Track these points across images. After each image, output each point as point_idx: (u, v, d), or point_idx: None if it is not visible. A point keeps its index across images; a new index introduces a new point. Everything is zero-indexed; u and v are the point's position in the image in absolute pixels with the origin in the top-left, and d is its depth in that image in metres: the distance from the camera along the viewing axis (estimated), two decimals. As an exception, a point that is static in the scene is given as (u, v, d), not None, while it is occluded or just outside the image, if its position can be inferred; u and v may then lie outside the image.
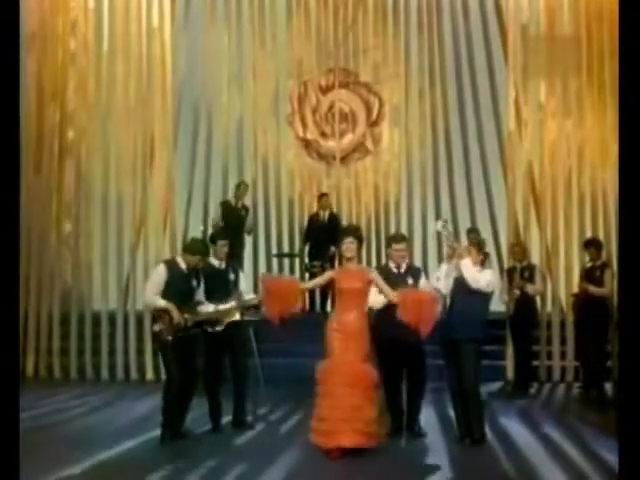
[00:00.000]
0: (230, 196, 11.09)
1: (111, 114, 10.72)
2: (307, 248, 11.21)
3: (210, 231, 10.28)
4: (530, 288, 9.13)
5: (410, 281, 6.71)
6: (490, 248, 8.73)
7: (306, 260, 11.10)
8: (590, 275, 9.02)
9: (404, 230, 11.02)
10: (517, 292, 9.05)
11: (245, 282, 7.36)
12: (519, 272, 9.19)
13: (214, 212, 11.01)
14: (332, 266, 9.08)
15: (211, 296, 6.79)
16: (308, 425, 6.14)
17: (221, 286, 6.89)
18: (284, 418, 7.58)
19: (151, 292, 6.61)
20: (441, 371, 6.68)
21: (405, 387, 6.73)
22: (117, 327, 10.29)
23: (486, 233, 10.50)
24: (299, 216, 11.91)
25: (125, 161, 10.66)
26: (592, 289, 8.89)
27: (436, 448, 6.36)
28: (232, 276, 7.06)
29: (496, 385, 9.38)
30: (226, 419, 7.04)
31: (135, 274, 10.35)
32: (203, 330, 6.78)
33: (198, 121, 11.89)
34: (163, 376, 7.44)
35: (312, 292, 10.76)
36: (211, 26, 11.83)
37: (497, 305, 8.40)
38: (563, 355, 9.99)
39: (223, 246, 7.04)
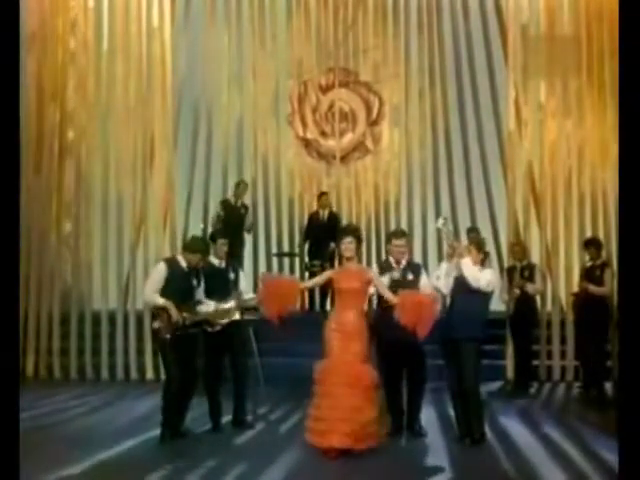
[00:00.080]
0: (230, 195, 11.09)
1: (111, 114, 10.72)
2: (307, 247, 11.22)
3: (210, 228, 10.30)
4: (530, 287, 9.14)
5: (410, 277, 6.72)
6: (490, 247, 8.72)
7: (306, 259, 11.11)
8: (590, 274, 9.02)
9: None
10: (517, 291, 9.06)
11: (245, 281, 7.36)
12: (519, 271, 9.19)
13: (214, 209, 10.99)
14: (332, 265, 9.08)
15: (211, 295, 6.80)
16: (305, 425, 6.14)
17: (221, 285, 6.90)
18: (284, 418, 7.58)
19: (150, 290, 6.62)
20: (441, 371, 6.68)
21: (405, 387, 6.73)
22: (117, 327, 10.29)
23: (486, 232, 10.49)
24: (299, 215, 11.91)
25: (125, 161, 10.66)
26: (592, 288, 8.89)
27: (436, 448, 6.36)
28: (232, 275, 7.07)
29: (496, 385, 9.38)
30: (226, 419, 7.04)
31: (135, 274, 10.35)
32: (203, 329, 6.78)
33: (198, 121, 11.89)
34: (163, 376, 7.43)
35: (312, 291, 10.79)
36: (211, 26, 11.82)
37: (497, 304, 8.40)
38: (563, 354, 9.99)
39: (223, 245, 7.05)
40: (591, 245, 9.20)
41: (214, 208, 11.03)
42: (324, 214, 11.06)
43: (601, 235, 9.95)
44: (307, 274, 10.65)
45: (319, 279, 6.87)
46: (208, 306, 6.73)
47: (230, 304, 6.82)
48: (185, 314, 6.50)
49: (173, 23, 10.88)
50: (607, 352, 9.17)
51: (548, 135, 10.50)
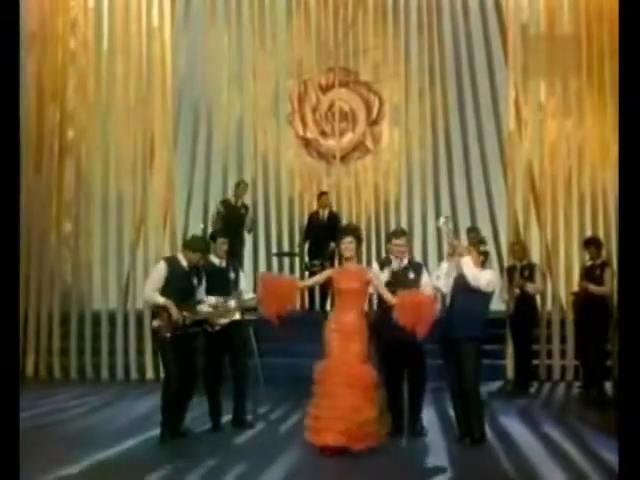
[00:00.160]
0: (230, 195, 11.09)
1: (111, 114, 10.73)
2: (307, 247, 11.22)
3: (210, 227, 10.31)
4: (530, 287, 9.14)
5: (412, 275, 6.72)
6: (490, 247, 8.73)
7: (306, 259, 11.11)
8: (590, 274, 9.02)
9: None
10: (517, 291, 9.06)
11: (245, 281, 7.36)
12: (519, 271, 9.19)
13: (214, 207, 10.98)
14: (332, 265, 9.08)
15: (211, 294, 6.80)
16: (305, 423, 6.15)
17: (221, 284, 6.91)
18: (284, 417, 7.58)
19: (151, 289, 6.62)
20: (441, 371, 6.68)
21: (406, 387, 6.73)
22: (117, 327, 10.29)
23: (486, 232, 10.45)
24: (299, 215, 11.91)
25: (125, 161, 10.67)
26: (592, 288, 8.89)
27: (436, 448, 6.36)
28: (232, 275, 7.07)
29: (496, 384, 9.38)
30: (226, 418, 7.04)
31: (135, 274, 10.35)
32: (203, 329, 6.78)
33: (198, 121, 11.89)
34: (163, 375, 7.44)
35: (312, 291, 10.80)
36: (211, 26, 11.82)
37: (497, 304, 8.40)
38: (563, 354, 10.00)
39: (223, 244, 7.05)
40: (591, 244, 9.20)
41: (214, 208, 11.02)
42: (324, 214, 11.06)
43: (601, 235, 9.95)
44: (307, 274, 10.64)
45: (318, 278, 6.88)
46: (208, 305, 6.73)
47: (230, 303, 6.83)
48: (185, 313, 6.50)
49: (173, 23, 10.89)
50: (607, 352, 9.17)
51: (548, 135, 10.51)
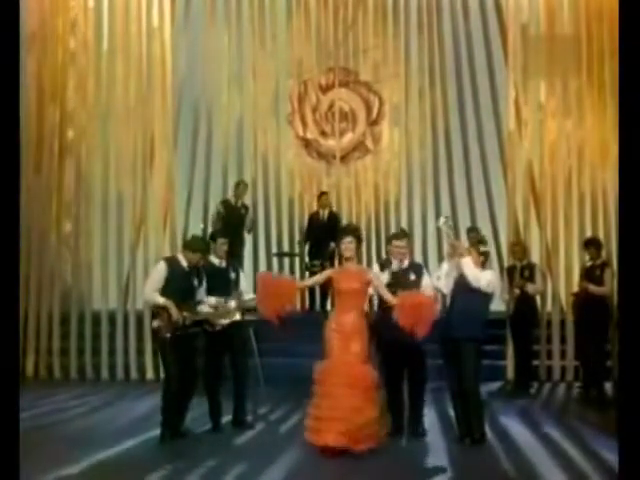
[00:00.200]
0: (230, 195, 11.08)
1: (111, 114, 10.73)
2: (307, 247, 11.21)
3: (210, 227, 10.30)
4: (530, 287, 9.14)
5: (412, 277, 6.72)
6: (490, 247, 8.74)
7: (306, 259, 11.11)
8: (590, 274, 9.02)
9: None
10: (517, 291, 9.06)
11: (245, 281, 7.36)
12: (519, 271, 9.19)
13: (214, 207, 10.98)
14: (332, 265, 9.08)
15: (211, 295, 6.80)
16: (305, 424, 6.14)
17: (221, 285, 6.90)
18: (284, 418, 7.58)
19: (150, 289, 6.62)
20: (441, 371, 6.67)
21: (406, 387, 6.73)
22: (117, 327, 10.29)
23: (486, 232, 10.39)
24: (299, 215, 11.91)
25: (125, 161, 10.67)
26: (592, 288, 8.89)
27: (436, 448, 6.35)
28: (232, 275, 7.07)
29: (496, 385, 9.38)
30: (226, 419, 7.04)
31: (135, 274, 10.35)
32: (203, 329, 6.78)
33: (198, 121, 11.89)
34: (163, 375, 7.44)
35: (312, 291, 10.80)
36: (211, 26, 11.82)
37: (497, 304, 8.37)
38: (563, 354, 9.99)
39: (223, 244, 7.05)
40: (591, 245, 9.20)
41: (214, 208, 11.02)
42: (324, 214, 11.05)
43: (601, 235, 9.95)
44: (307, 274, 10.65)
45: (318, 278, 6.89)
46: (209, 306, 6.73)
47: (231, 304, 6.82)
48: (185, 313, 6.50)
49: (173, 23, 10.89)
50: (607, 352, 9.17)
51: (548, 135, 10.51)
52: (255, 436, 6.85)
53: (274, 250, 11.87)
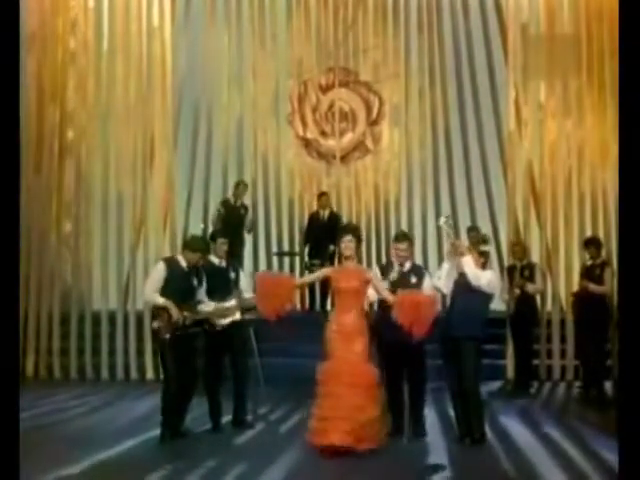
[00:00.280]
0: (230, 195, 11.08)
1: (111, 114, 10.73)
2: (307, 248, 11.20)
3: (211, 227, 10.30)
4: (530, 287, 9.14)
5: (414, 280, 6.71)
6: (490, 247, 8.74)
7: (306, 259, 11.10)
8: (590, 273, 9.02)
9: (404, 229, 10.99)
10: (517, 291, 9.06)
11: (245, 281, 7.35)
12: (519, 271, 9.19)
13: (214, 208, 10.98)
14: (332, 265, 9.08)
15: (211, 295, 6.80)
16: (308, 425, 6.14)
17: (221, 284, 6.90)
18: (284, 418, 7.58)
19: (150, 289, 6.62)
20: (441, 371, 6.67)
21: (406, 387, 6.72)
22: (117, 327, 10.29)
23: (486, 232, 10.40)
24: (299, 215, 11.91)
25: (125, 161, 10.67)
26: (592, 287, 8.89)
27: (436, 448, 6.35)
28: (232, 275, 7.07)
29: (496, 384, 9.38)
30: (226, 418, 7.04)
31: (135, 274, 10.35)
32: (203, 329, 6.78)
33: (198, 121, 11.89)
34: (163, 376, 7.43)
35: (312, 291, 10.80)
36: (211, 26, 11.82)
37: (497, 304, 8.37)
38: (563, 354, 10.00)
39: (223, 244, 7.06)
40: (591, 244, 9.20)
41: (214, 208, 11.02)
42: (324, 214, 11.04)
43: (601, 234, 9.95)
44: (307, 273, 10.63)
45: (317, 275, 6.89)
46: (209, 306, 6.73)
47: (231, 303, 6.82)
48: (186, 313, 6.50)
49: (173, 23, 10.89)
50: (607, 351, 9.17)
51: (548, 135, 10.51)
52: (255, 436, 6.85)
53: (274, 250, 11.86)
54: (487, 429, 6.61)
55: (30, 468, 5.26)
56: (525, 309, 9.10)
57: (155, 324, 6.54)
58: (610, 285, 8.88)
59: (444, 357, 6.57)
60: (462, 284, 6.38)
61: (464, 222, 11.11)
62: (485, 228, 10.55)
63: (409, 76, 11.93)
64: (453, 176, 11.83)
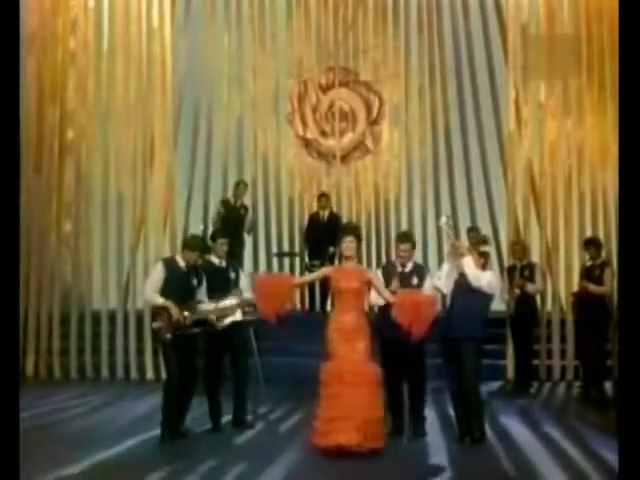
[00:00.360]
0: (230, 195, 11.08)
1: (111, 114, 10.73)
2: (307, 248, 11.19)
3: (211, 227, 10.30)
4: (530, 287, 9.14)
5: (415, 280, 6.70)
6: (490, 247, 8.75)
7: (306, 259, 11.10)
8: (590, 274, 9.02)
9: (407, 230, 10.99)
10: (517, 291, 9.06)
11: (245, 281, 7.35)
12: (519, 271, 9.20)
13: (214, 208, 10.98)
14: (332, 265, 9.07)
15: (211, 295, 6.79)
16: (308, 425, 6.15)
17: (221, 285, 6.90)
18: (284, 417, 7.57)
19: (150, 290, 6.62)
20: (441, 371, 6.67)
21: (406, 387, 6.72)
22: (117, 326, 10.30)
23: (486, 232, 10.40)
24: (299, 215, 11.90)
25: (125, 161, 10.67)
26: (592, 288, 8.89)
27: (436, 448, 6.35)
28: (232, 275, 7.07)
29: (496, 384, 9.38)
30: (226, 418, 7.04)
31: (135, 273, 10.36)
32: (204, 329, 6.78)
33: (198, 120, 11.89)
34: (163, 375, 7.44)
35: (312, 291, 10.79)
36: (211, 26, 11.82)
37: (497, 304, 8.37)
38: (563, 354, 10.00)
39: (223, 244, 7.06)
40: (591, 244, 9.20)
41: (214, 208, 11.02)
42: (324, 215, 11.03)
43: (601, 234, 9.96)
44: (307, 274, 10.62)
45: (317, 274, 6.89)
46: (208, 306, 6.73)
47: (231, 302, 6.82)
48: (186, 313, 6.50)
49: (173, 23, 10.89)
50: (607, 351, 9.18)
51: (548, 135, 10.52)
52: (255, 436, 6.84)
53: (274, 250, 11.87)
54: (487, 429, 6.61)
55: (30, 468, 5.25)
56: (525, 309, 9.10)
57: (156, 324, 6.54)
58: (610, 285, 8.88)
59: (444, 357, 6.57)
60: (462, 284, 6.38)
61: (464, 222, 11.11)
62: (485, 228, 10.57)
63: (409, 76, 11.93)
64: (453, 176, 11.83)
